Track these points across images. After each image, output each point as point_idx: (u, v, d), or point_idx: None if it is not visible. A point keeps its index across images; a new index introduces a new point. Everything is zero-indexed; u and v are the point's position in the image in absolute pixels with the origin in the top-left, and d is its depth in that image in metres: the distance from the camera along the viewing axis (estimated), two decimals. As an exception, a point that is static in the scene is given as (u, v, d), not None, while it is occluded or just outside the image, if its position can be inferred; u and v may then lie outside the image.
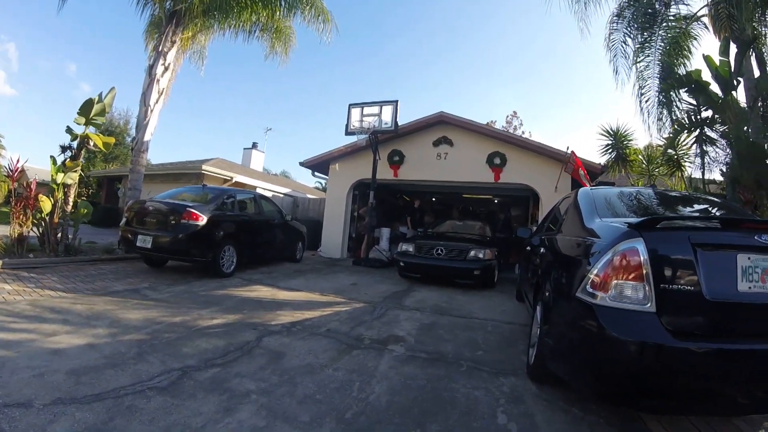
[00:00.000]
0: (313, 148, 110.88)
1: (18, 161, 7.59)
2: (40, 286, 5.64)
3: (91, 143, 7.91)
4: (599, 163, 10.25)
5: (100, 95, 7.92)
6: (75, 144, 7.95)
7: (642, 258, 2.25)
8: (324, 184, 14.73)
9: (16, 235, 7.15)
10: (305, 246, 11.34)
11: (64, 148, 7.92)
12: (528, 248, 5.75)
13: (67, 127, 7.77)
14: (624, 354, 2.18)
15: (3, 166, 21.28)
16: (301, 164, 13.82)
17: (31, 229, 7.46)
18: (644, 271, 2.23)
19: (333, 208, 13.33)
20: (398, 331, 4.82)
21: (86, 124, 7.82)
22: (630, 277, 2.26)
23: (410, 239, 9.34)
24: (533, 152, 10.67)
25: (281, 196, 18.26)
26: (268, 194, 17.05)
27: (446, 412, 2.84)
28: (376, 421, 2.68)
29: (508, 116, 35.46)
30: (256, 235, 8.76)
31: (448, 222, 11.29)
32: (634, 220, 2.58)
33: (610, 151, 10.14)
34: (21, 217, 7.20)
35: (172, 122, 75.53)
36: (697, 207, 3.84)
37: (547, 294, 3.25)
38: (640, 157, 9.98)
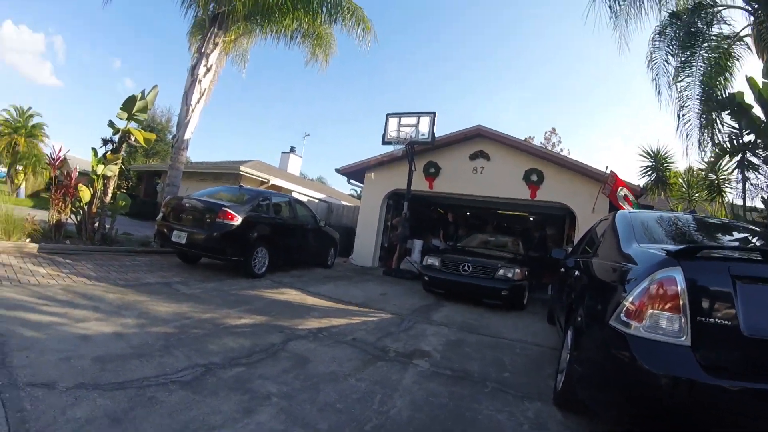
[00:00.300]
0: (349, 156, 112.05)
1: (60, 150, 7.89)
2: (74, 272, 5.80)
3: (132, 138, 8.14)
4: (638, 185, 9.95)
5: (143, 92, 8.17)
6: (116, 138, 8.19)
7: (679, 288, 2.14)
8: (359, 192, 14.79)
9: (55, 221, 7.40)
10: (337, 252, 11.36)
11: (105, 141, 8.18)
12: (562, 270, 5.60)
13: (110, 121, 8.03)
14: (655, 388, 2.08)
15: (46, 154, 22.28)
16: (337, 171, 13.91)
17: (69, 217, 7.70)
18: (681, 302, 2.12)
19: (366, 217, 13.34)
20: (424, 346, 4.75)
21: (128, 119, 8.05)
22: (666, 307, 2.16)
23: (437, 253, 8.96)
24: (571, 170, 10.43)
25: (316, 201, 18.42)
26: (304, 199, 17.23)
27: (467, 433, 2.75)
28: (397, 437, 2.62)
29: (546, 132, 34.68)
30: (289, 238, 8.82)
31: (479, 236, 10.96)
32: (672, 247, 2.46)
33: (649, 173, 9.81)
34: (60, 204, 7.44)
35: (213, 123, 77.77)
36: (737, 236, 3.68)
37: (579, 319, 3.13)
38: (680, 180, 9.63)
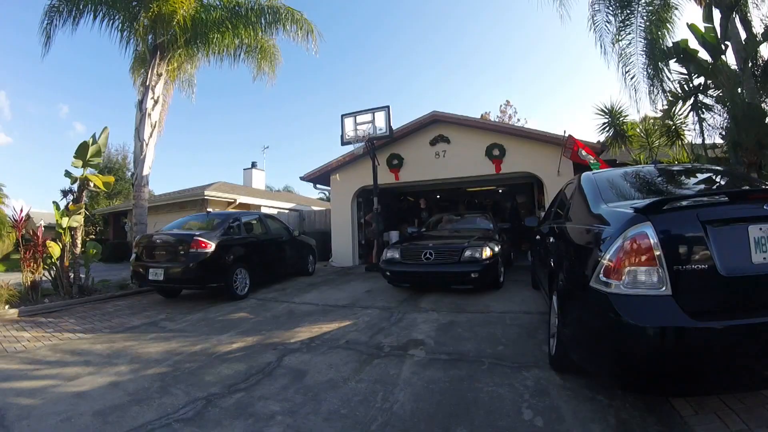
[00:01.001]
0: (313, 160, 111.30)
1: (22, 210, 7.69)
2: (58, 330, 5.70)
3: (92, 184, 8.00)
4: (599, 142, 10.20)
5: (93, 136, 8.02)
6: (75, 187, 8.04)
7: (652, 241, 2.21)
8: (328, 195, 14.78)
9: (29, 282, 7.24)
10: (316, 258, 11.36)
11: (65, 193, 8.04)
12: (537, 237, 5.72)
13: (66, 171, 7.86)
14: (644, 341, 2.15)
15: (8, 216, 21.52)
16: (302, 179, 13.88)
17: (43, 275, 7.55)
18: (656, 255, 2.20)
19: (339, 218, 13.36)
20: (417, 335, 4.81)
21: (84, 166, 7.91)
22: (642, 261, 2.23)
23: (395, 244, 8.25)
24: (531, 140, 10.65)
25: (286, 212, 18.31)
26: (273, 212, 17.11)
27: (471, 414, 2.83)
28: (403, 430, 2.68)
29: (501, 105, 35.26)
30: (265, 254, 8.78)
31: (444, 217, 10.42)
32: (640, 203, 2.54)
33: (607, 129, 10.04)
34: (32, 264, 7.30)
35: (170, 153, 76.01)
36: (701, 178, 3.79)
37: (561, 284, 3.22)
38: (638, 131, 9.90)
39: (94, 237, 21.99)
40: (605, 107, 9.91)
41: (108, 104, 68.14)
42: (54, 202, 7.85)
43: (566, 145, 9.14)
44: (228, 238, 7.65)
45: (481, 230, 8.67)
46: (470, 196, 17.71)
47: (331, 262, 13.10)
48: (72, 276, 7.87)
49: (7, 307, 6.63)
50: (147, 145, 10.11)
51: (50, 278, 7.74)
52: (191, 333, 5.36)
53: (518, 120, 33.95)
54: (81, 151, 7.77)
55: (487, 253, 6.89)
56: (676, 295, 2.15)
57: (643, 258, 2.23)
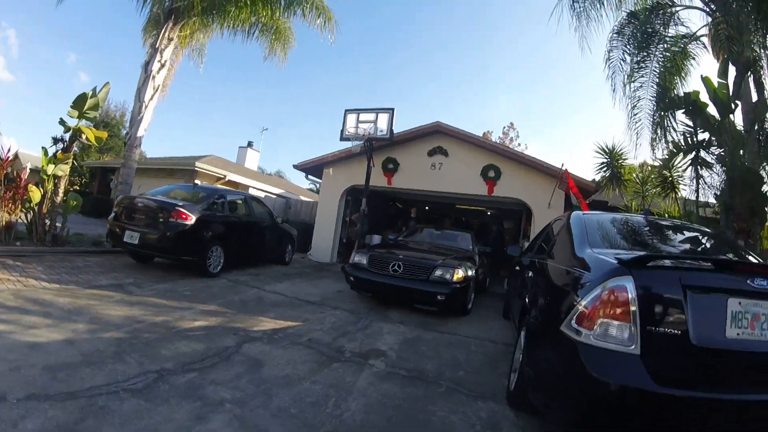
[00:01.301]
0: (308, 150, 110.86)
1: (9, 150, 7.54)
2: (24, 275, 5.59)
3: (84, 137, 7.87)
4: (593, 181, 10.28)
5: (94, 89, 7.90)
6: (67, 136, 7.91)
7: (630, 296, 2.19)
8: (318, 187, 14.72)
9: (4, 222, 7.11)
10: (295, 249, 11.28)
11: (56, 140, 7.89)
12: (517, 268, 5.73)
13: (61, 119, 7.73)
14: (604, 396, 2.13)
15: None
16: (295, 167, 13.78)
17: (20, 217, 7.42)
18: (631, 311, 2.17)
19: (325, 213, 13.29)
20: (380, 345, 4.79)
21: (79, 117, 7.80)
22: (617, 315, 2.20)
23: (365, 249, 7.82)
24: (528, 167, 10.68)
25: (273, 197, 18.21)
26: (261, 194, 17.01)
27: (420, 435, 2.81)
28: (350, 442, 2.65)
29: (505, 127, 35.46)
30: (245, 236, 8.70)
31: (426, 229, 10.03)
32: (624, 255, 2.53)
33: (605, 169, 10.12)
34: (10, 205, 7.17)
35: (170, 119, 75.23)
36: (690, 238, 3.81)
37: (532, 321, 3.22)
38: (634, 176, 9.98)
39: (78, 188, 21.65)
40: (606, 147, 10.00)
41: (116, 60, 67.26)
42: (43, 148, 7.72)
43: (562, 178, 9.19)
44: (210, 214, 7.56)
45: (460, 250, 8.30)
46: (458, 213, 17.76)
47: (309, 255, 13.02)
48: (48, 224, 7.75)
49: None
50: (146, 107, 9.97)
51: (26, 222, 7.60)
52: (156, 303, 5.28)
53: (519, 144, 34.23)
54: (79, 102, 7.66)
55: (459, 275, 6.44)
56: (644, 355, 2.13)
57: (618, 312, 2.20)
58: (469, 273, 6.80)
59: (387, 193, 14.23)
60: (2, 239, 7.02)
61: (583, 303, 2.35)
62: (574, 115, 76.04)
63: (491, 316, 7.20)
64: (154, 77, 10.03)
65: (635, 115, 8.66)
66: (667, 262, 2.36)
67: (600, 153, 10.11)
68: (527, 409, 3.23)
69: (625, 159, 10.02)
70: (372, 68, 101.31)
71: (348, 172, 12.84)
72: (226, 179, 16.82)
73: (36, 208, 7.54)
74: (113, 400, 2.69)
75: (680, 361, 2.17)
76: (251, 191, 17.62)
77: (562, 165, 9.64)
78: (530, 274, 4.26)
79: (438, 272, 6.44)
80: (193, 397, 2.91)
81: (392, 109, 10.96)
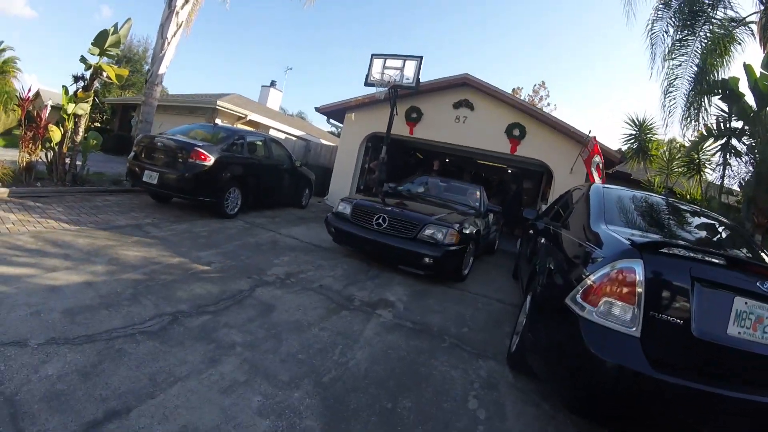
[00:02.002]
0: (331, 93, 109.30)
1: (29, 90, 7.54)
2: (44, 217, 5.64)
3: (105, 74, 7.78)
4: (619, 150, 10.02)
5: (115, 26, 7.75)
6: (88, 74, 7.82)
7: (638, 279, 2.20)
8: (338, 130, 14.60)
9: (25, 163, 7.15)
10: (312, 193, 11.33)
11: (76, 78, 7.79)
12: (531, 231, 5.70)
13: (81, 56, 7.61)
14: (600, 373, 2.17)
15: (17, 90, 21.21)
16: (317, 109, 13.63)
17: (39, 156, 7.46)
18: (637, 294, 2.19)
19: (344, 158, 13.26)
20: (389, 296, 4.89)
21: (100, 54, 7.67)
22: (622, 296, 2.23)
23: (351, 198, 6.69)
24: (554, 129, 10.44)
25: (294, 139, 18.13)
26: (282, 136, 16.97)
27: (420, 389, 2.93)
28: (352, 389, 2.78)
29: (535, 85, 34.40)
30: (263, 179, 8.72)
31: (432, 180, 8.92)
32: (638, 237, 2.51)
33: (632, 141, 9.82)
34: (30, 145, 7.19)
35: (193, 58, 74.23)
36: (707, 226, 3.75)
37: (538, 289, 3.24)
38: (660, 153, 9.66)
39: (99, 125, 21.79)
40: (636, 119, 9.66)
41: None
42: (63, 86, 7.65)
43: (587, 146, 8.95)
44: (229, 155, 7.58)
45: (465, 206, 7.34)
46: (479, 169, 17.55)
47: (326, 200, 13.11)
48: (68, 163, 7.79)
49: None
50: (169, 43, 9.84)
51: (46, 162, 7.64)
52: (173, 244, 5.40)
53: (548, 104, 33.25)
54: (100, 39, 7.54)
55: (451, 236, 5.58)
56: (643, 339, 2.16)
57: (624, 293, 2.22)
58: (467, 232, 5.99)
59: (408, 143, 14.09)
60: (23, 180, 7.09)
61: (591, 279, 2.37)
62: (605, 82, 73.17)
63: (501, 275, 7.24)
64: (177, 13, 9.84)
65: (670, 93, 8.28)
66: (680, 251, 2.33)
67: (629, 124, 9.77)
68: (526, 372, 3.31)
69: (654, 134, 9.70)
70: (402, 16, 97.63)
71: (370, 119, 12.69)
72: (247, 119, 16.74)
73: (56, 147, 7.55)
74: (130, 343, 2.80)
75: (678, 350, 2.19)
76: (272, 132, 17.58)
77: (589, 132, 9.37)
78: (543, 240, 4.26)
79: (428, 231, 5.60)
80: (206, 339, 3.02)
81: (420, 57, 10.68)
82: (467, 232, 5.96)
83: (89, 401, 2.20)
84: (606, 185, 4.15)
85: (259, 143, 9.05)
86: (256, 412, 2.38)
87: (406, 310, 4.51)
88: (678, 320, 2.16)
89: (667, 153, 9.44)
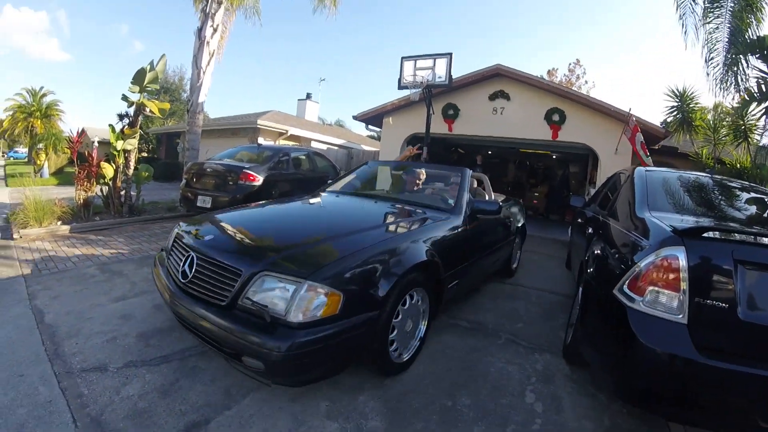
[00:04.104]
0: (368, 98, 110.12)
1: (77, 133, 8.04)
2: (107, 248, 5.93)
3: (147, 110, 8.14)
4: (662, 126, 9.65)
5: (151, 63, 8.13)
6: (131, 111, 8.19)
7: (682, 267, 2.18)
8: (378, 133, 14.73)
9: (82, 200, 7.54)
10: (360, 199, 11.40)
11: (121, 116, 8.22)
12: (579, 220, 5.60)
13: (123, 95, 8.00)
14: (649, 362, 2.17)
15: (63, 131, 22.68)
16: (355, 118, 13.85)
17: (95, 193, 7.85)
18: (681, 281, 2.18)
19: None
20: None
21: (140, 91, 8.04)
22: (667, 284, 2.22)
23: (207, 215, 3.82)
24: (594, 110, 10.15)
25: (335, 148, 18.44)
26: (323, 147, 17.29)
27: (477, 385, 2.98)
28: (413, 388, 2.87)
29: (570, 64, 33.45)
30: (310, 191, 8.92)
31: (381, 167, 5.82)
32: (679, 224, 2.48)
33: (675, 113, 9.43)
34: (85, 183, 7.59)
35: (228, 77, 77.11)
36: (757, 203, 3.59)
37: (587, 280, 3.22)
38: (704, 122, 9.22)
39: (146, 155, 22.88)
40: (676, 90, 9.29)
41: (169, 25, 68.79)
42: (110, 125, 8.05)
43: (628, 123, 8.69)
44: (276, 173, 7.89)
45: (426, 208, 4.07)
46: (522, 158, 17.27)
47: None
48: (123, 195, 8.16)
49: (59, 223, 6.89)
50: (204, 72, 10.30)
51: (102, 196, 8.08)
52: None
53: (585, 82, 32.36)
54: (138, 77, 7.92)
55: (318, 303, 2.35)
56: (690, 325, 2.14)
57: (669, 281, 2.21)
58: (377, 292, 2.64)
59: (449, 140, 14.07)
60: (82, 216, 7.47)
61: (637, 269, 2.36)
62: (643, 56, 70.14)
63: (555, 266, 7.07)
64: (208, 43, 10.28)
65: (711, 59, 7.92)
66: (722, 235, 2.28)
67: (670, 96, 9.39)
68: (581, 363, 3.31)
69: (696, 103, 9.28)
70: (426, 15, 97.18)
71: (408, 120, 12.74)
72: (288, 134, 17.17)
73: (110, 183, 7.94)
74: (202, 361, 2.98)
75: (726, 334, 2.15)
76: (313, 144, 17.96)
77: (629, 110, 9.09)
78: (590, 230, 4.20)
79: (258, 295, 2.42)
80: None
81: (450, 54, 10.64)
82: (391, 277, 2.72)
83: (171, 416, 2.39)
84: (649, 168, 4.05)
85: (303, 157, 9.33)
86: (324, 415, 2.52)
87: (458, 309, 4.51)
88: (724, 305, 2.13)
89: (711, 122, 9.00)
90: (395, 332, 2.90)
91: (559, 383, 3.11)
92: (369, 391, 2.80)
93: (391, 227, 3.39)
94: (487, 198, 5.07)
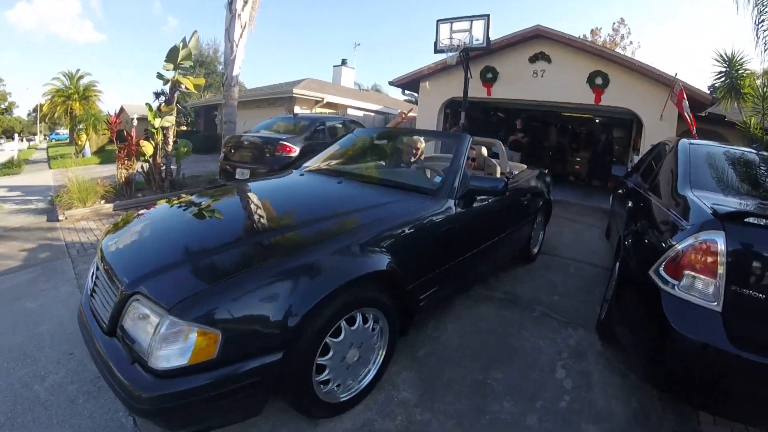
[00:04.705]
0: (405, 60, 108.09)
1: (116, 113, 8.27)
2: None
3: (183, 86, 8.28)
4: (709, 93, 9.08)
5: (183, 40, 8.17)
6: (167, 88, 8.33)
7: (720, 251, 2.08)
8: (416, 98, 14.53)
9: (124, 178, 7.85)
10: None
11: (157, 95, 8.40)
12: (620, 191, 5.39)
13: (158, 73, 8.12)
14: (679, 348, 2.12)
15: (102, 111, 23.31)
16: (391, 83, 13.68)
17: (136, 170, 8.14)
18: (719, 267, 2.08)
19: (424, 127, 13.09)
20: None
21: (175, 69, 8.15)
22: (703, 269, 2.12)
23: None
24: (638, 74, 9.61)
25: (372, 114, 18.32)
26: (359, 113, 17.21)
27: (510, 360, 3.01)
28: (445, 361, 2.94)
29: (614, 23, 31.56)
30: (347, 159, 8.97)
31: (362, 134, 5.03)
32: (721, 207, 2.33)
33: (723, 79, 8.82)
34: (126, 162, 7.89)
35: (264, 45, 76.83)
36: None
37: (624, 257, 3.13)
38: (753, 90, 8.59)
39: (186, 128, 23.35)
40: (725, 55, 8.68)
41: None
42: (147, 104, 8.23)
43: (673, 89, 8.23)
44: (312, 143, 7.93)
45: (407, 188, 3.24)
46: (564, 122, 16.70)
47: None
48: (164, 171, 8.39)
49: (102, 201, 7.14)
50: (237, 45, 10.32)
51: (143, 173, 8.34)
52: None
53: (631, 42, 30.51)
54: (172, 55, 8.01)
55: (189, 351, 1.73)
56: (725, 314, 2.06)
57: (706, 266, 2.12)
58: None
59: (488, 104, 13.75)
60: (125, 193, 7.76)
61: (673, 251, 2.28)
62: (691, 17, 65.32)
63: (594, 236, 6.88)
64: (239, 15, 10.25)
65: (762, 22, 7.33)
66: (765, 221, 2.16)
67: (718, 61, 8.77)
68: (614, 340, 3.24)
69: (745, 69, 8.65)
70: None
71: (445, 85, 12.45)
72: (324, 101, 17.12)
73: (150, 160, 8.17)
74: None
75: (761, 325, 2.06)
76: (349, 111, 17.88)
77: (675, 74, 8.58)
78: (630, 203, 4.04)
79: (130, 317, 1.91)
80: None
81: (487, 15, 10.27)
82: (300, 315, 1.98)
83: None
84: (693, 141, 3.82)
85: (339, 126, 9.36)
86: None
87: (496, 280, 4.49)
88: (761, 295, 2.03)
89: (761, 89, 8.39)
90: (327, 372, 2.23)
91: (590, 360, 3.10)
92: (403, 362, 2.88)
93: (330, 225, 2.48)
94: (499, 170, 4.38)
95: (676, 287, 2.21)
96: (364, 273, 2.23)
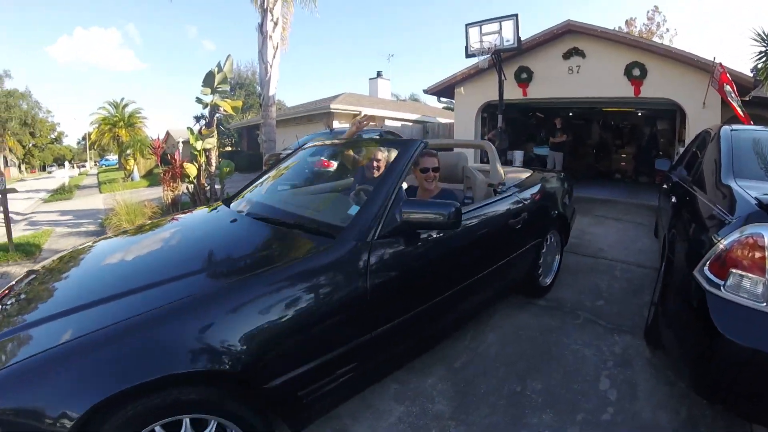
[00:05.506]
0: (441, 67, 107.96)
1: (158, 139, 8.60)
2: None
3: (221, 109, 8.51)
4: (752, 76, 8.55)
5: (219, 65, 8.38)
6: (206, 112, 8.56)
7: (767, 246, 1.88)
8: (453, 105, 14.50)
9: (170, 200, 8.15)
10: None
11: (197, 118, 8.70)
12: (665, 186, 5.11)
13: (197, 98, 8.35)
14: (727, 355, 1.92)
15: (148, 136, 24.36)
16: (426, 91, 13.69)
17: (181, 191, 8.43)
18: (766, 263, 1.87)
19: (462, 133, 13.07)
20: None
21: (212, 93, 8.34)
22: (751, 267, 1.90)
23: None
24: (676, 61, 9.20)
25: (410, 124, 18.36)
26: (397, 124, 17.28)
27: (550, 370, 2.90)
28: (482, 372, 2.86)
29: (648, 11, 30.21)
30: (385, 173, 9.00)
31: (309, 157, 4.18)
32: (766, 197, 2.11)
33: (764, 59, 8.27)
34: (171, 184, 8.19)
35: (299, 63, 78.59)
36: None
37: (669, 256, 2.93)
38: None
39: (230, 149, 24.06)
40: (764, 33, 8.16)
41: (235, 21, 71.03)
42: (188, 128, 8.47)
43: (713, 74, 7.81)
44: (350, 157, 7.99)
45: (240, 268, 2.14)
46: (605, 117, 16.16)
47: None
48: (208, 191, 8.58)
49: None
50: (271, 66, 10.62)
51: (188, 193, 8.55)
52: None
53: (667, 30, 29.10)
54: (208, 80, 8.22)
55: None
56: None
57: (753, 263, 1.90)
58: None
59: (525, 105, 13.52)
60: (171, 213, 8.03)
61: (718, 248, 2.07)
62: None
63: (642, 234, 6.56)
64: (270, 37, 10.56)
65: None
66: None
67: (757, 40, 8.25)
68: (662, 347, 3.01)
69: None
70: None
71: (480, 89, 12.30)
72: (362, 115, 17.27)
73: (195, 181, 8.38)
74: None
75: None
76: (387, 122, 18.01)
77: (714, 58, 8.13)
78: (673, 198, 3.79)
79: None
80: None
81: (516, 15, 10.10)
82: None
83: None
84: (735, 127, 3.55)
85: (376, 138, 9.39)
86: (392, 398, 2.59)
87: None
88: None
89: None
90: None
91: (637, 368, 2.93)
92: (440, 373, 2.84)
93: (155, 296, 1.79)
94: (481, 181, 3.59)
95: (721, 288, 1.99)
96: (176, 372, 1.53)
